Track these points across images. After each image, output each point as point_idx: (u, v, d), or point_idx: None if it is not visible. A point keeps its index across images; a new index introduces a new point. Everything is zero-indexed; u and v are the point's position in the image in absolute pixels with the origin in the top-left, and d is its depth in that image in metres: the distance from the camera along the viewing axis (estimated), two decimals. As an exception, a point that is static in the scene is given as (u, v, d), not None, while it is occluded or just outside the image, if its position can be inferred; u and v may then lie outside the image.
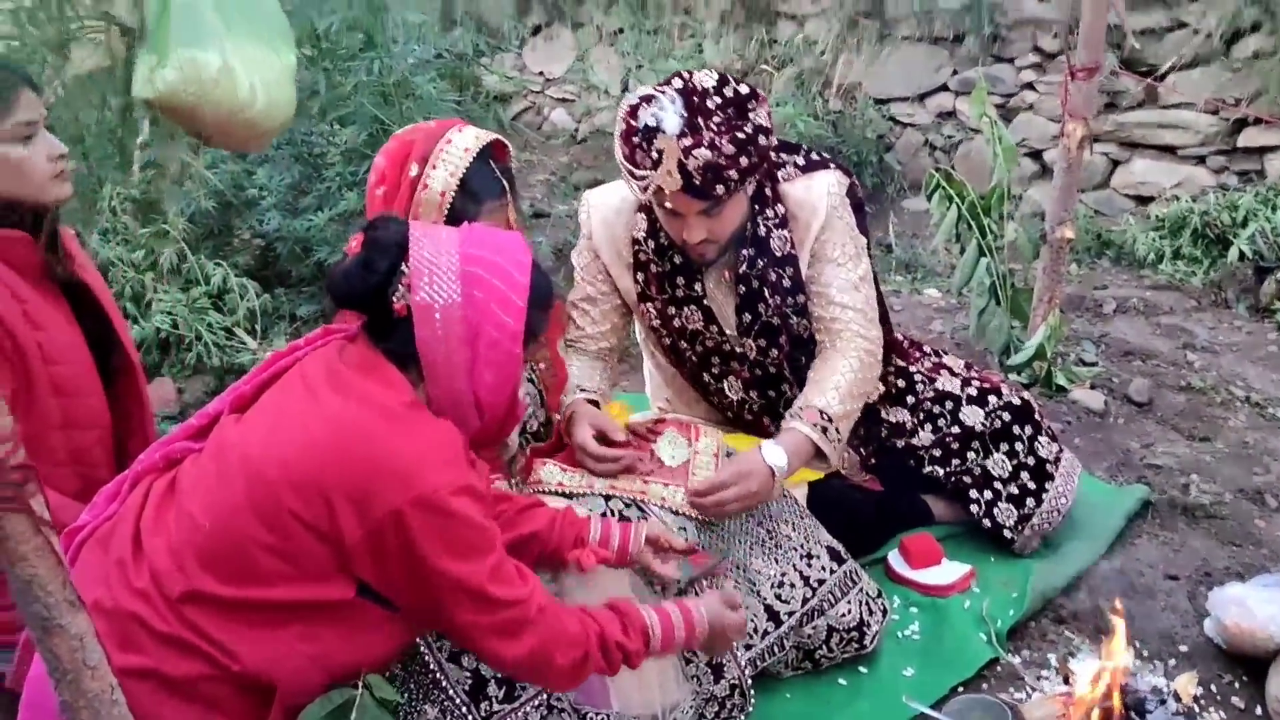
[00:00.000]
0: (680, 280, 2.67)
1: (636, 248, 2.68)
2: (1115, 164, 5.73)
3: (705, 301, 2.66)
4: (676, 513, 2.39)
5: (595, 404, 2.59)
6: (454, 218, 2.17)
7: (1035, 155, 5.79)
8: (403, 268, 1.71)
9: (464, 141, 2.21)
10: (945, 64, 5.97)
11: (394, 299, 1.70)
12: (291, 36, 1.72)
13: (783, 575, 2.41)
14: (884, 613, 2.54)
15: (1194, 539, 2.93)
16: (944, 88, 6.04)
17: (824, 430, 2.42)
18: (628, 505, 2.38)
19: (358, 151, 4.56)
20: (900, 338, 3.00)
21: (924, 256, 5.40)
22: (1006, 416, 2.79)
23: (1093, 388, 3.79)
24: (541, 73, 7.66)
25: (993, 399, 2.82)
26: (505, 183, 2.25)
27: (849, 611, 2.46)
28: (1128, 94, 5.55)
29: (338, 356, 1.78)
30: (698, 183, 2.32)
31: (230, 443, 1.74)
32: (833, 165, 2.65)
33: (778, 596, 2.39)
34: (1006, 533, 2.78)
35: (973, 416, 2.80)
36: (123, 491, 1.85)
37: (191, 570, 1.67)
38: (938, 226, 3.97)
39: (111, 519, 1.81)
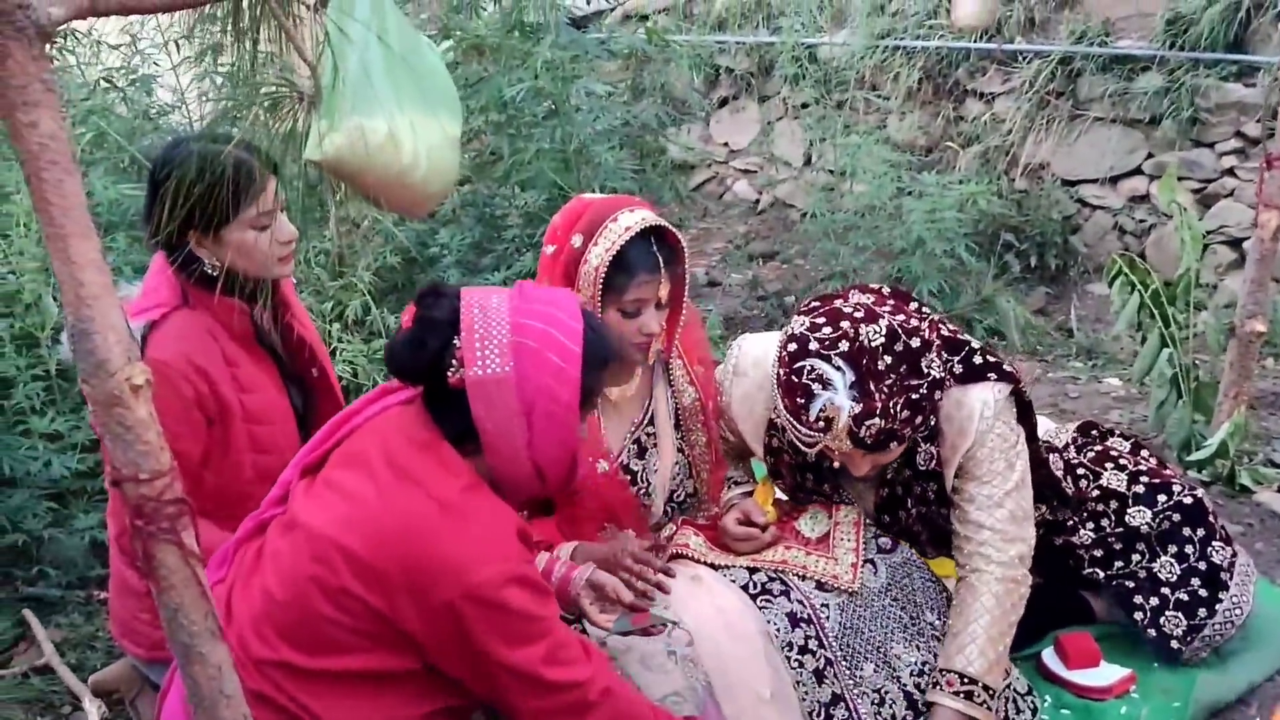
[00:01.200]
0: (810, 476, 2.56)
1: (771, 432, 2.55)
2: (1321, 256, 5.42)
3: (836, 497, 2.58)
4: (820, 583, 2.38)
5: (749, 492, 2.64)
6: (607, 288, 2.28)
7: (1234, 244, 5.53)
8: (455, 342, 1.73)
9: (627, 221, 2.29)
10: (1140, 146, 5.77)
11: (449, 374, 1.73)
12: (459, 107, 1.80)
13: (924, 664, 2.34)
14: (1033, 712, 2.45)
15: (1383, 662, 2.72)
16: (1138, 171, 5.84)
17: (969, 696, 2.26)
18: (771, 578, 2.38)
19: (537, 215, 4.70)
20: (1061, 473, 2.75)
21: (1106, 343, 5.21)
22: (1176, 517, 2.66)
23: (1280, 491, 3.57)
24: (726, 144, 7.75)
25: (1162, 497, 2.68)
26: (661, 259, 2.31)
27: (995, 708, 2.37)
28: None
29: (398, 432, 1.81)
30: (869, 444, 2.19)
31: (299, 518, 1.79)
32: (992, 375, 2.39)
33: (917, 685, 2.32)
34: (1174, 643, 2.63)
35: (1139, 517, 2.67)
36: (230, 559, 1.93)
37: (272, 640, 1.75)
38: (1119, 313, 3.84)
39: (220, 583, 1.88)
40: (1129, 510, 2.68)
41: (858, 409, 2.14)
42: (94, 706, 2.72)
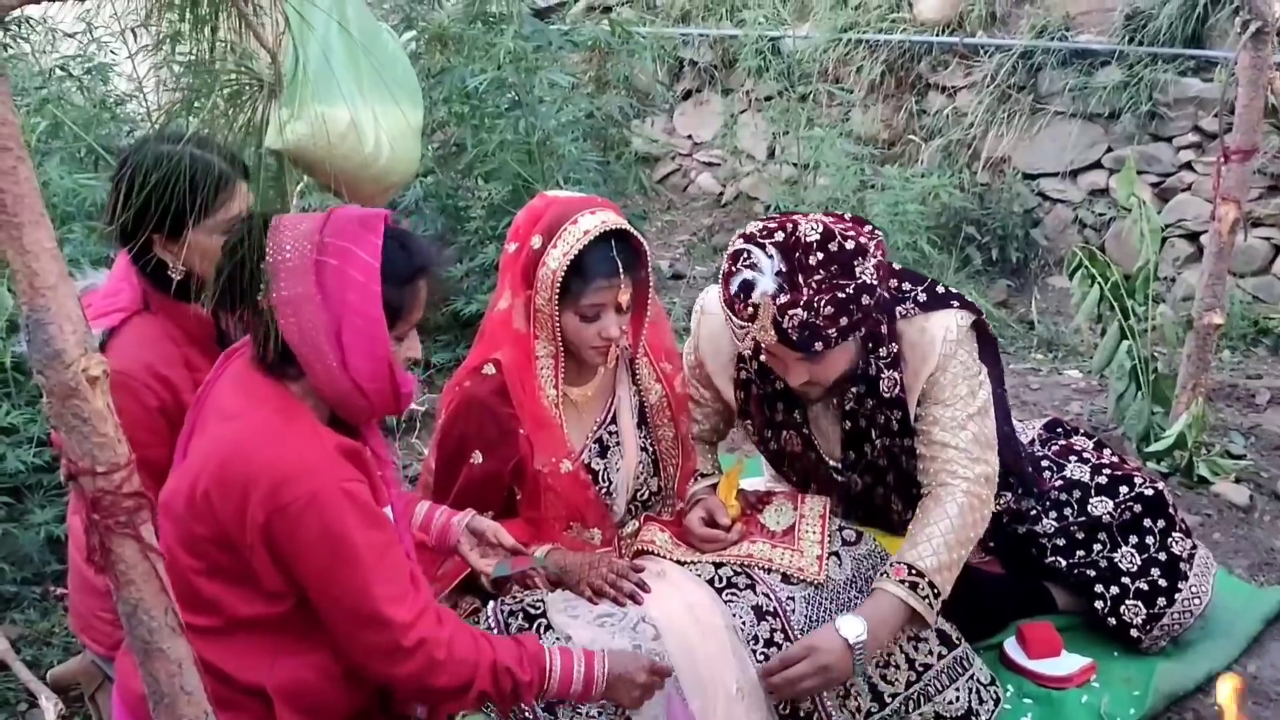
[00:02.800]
0: (781, 405, 2.60)
1: (740, 365, 2.62)
2: (1278, 250, 5.49)
3: (805, 430, 2.61)
4: (785, 576, 2.39)
5: (714, 486, 2.64)
6: (565, 293, 2.27)
7: (1192, 237, 5.59)
8: (262, 268, 1.74)
9: (587, 224, 2.26)
10: (1100, 140, 5.82)
11: (259, 299, 1.74)
12: (420, 96, 1.78)
13: (889, 655, 2.35)
14: (995, 701, 2.47)
15: (1339, 650, 2.76)
16: (1098, 164, 5.89)
17: (913, 586, 2.27)
18: (736, 572, 2.39)
19: (500, 207, 4.68)
20: (1028, 461, 2.81)
21: (1066, 336, 5.25)
22: (1138, 508, 2.68)
23: (1238, 481, 3.60)
24: (690, 136, 7.74)
25: (1124, 489, 2.71)
26: (621, 263, 2.28)
27: (957, 699, 2.39)
28: (1294, 178, 5.33)
29: (224, 381, 1.87)
30: (794, 339, 2.23)
31: (163, 496, 1.85)
32: (955, 303, 2.47)
33: (883, 676, 2.34)
34: (1134, 632, 2.66)
35: (1101, 507, 2.69)
36: None
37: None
38: (1079, 306, 3.86)
39: None
40: (1091, 500, 2.70)
41: (783, 298, 2.20)
42: (50, 704, 2.68)
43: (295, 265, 1.73)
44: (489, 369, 2.37)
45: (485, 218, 4.73)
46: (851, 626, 2.19)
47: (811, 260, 2.23)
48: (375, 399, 1.82)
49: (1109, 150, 5.81)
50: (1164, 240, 4.39)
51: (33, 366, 1.27)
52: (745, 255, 2.26)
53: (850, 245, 2.25)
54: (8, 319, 3.16)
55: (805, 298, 2.20)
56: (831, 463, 2.62)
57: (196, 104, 1.74)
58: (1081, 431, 3.04)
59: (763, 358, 2.36)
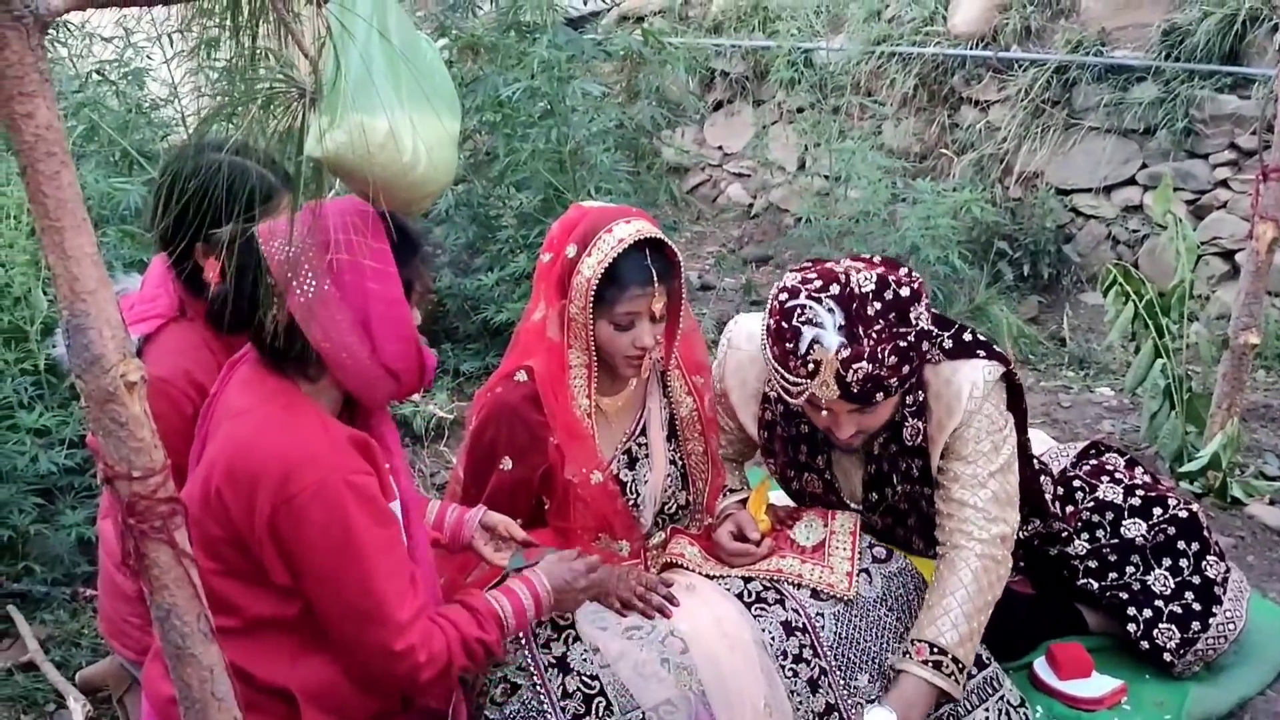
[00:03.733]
0: (804, 448, 2.58)
1: (765, 405, 2.59)
2: (1315, 269, 5.43)
3: (828, 475, 2.59)
4: (815, 591, 2.38)
5: (743, 500, 2.63)
6: (599, 301, 2.26)
7: (1227, 255, 5.53)
8: (269, 280, 1.74)
9: (622, 233, 2.26)
10: (1135, 157, 5.77)
11: (273, 312, 1.74)
12: (458, 105, 1.78)
13: (918, 675, 2.32)
14: (1025, 723, 2.44)
15: (1376, 677, 2.71)
16: (1132, 181, 5.84)
17: (937, 665, 2.25)
18: (766, 587, 2.38)
19: (531, 216, 4.68)
20: (1050, 496, 2.75)
21: (1098, 353, 5.21)
22: (1171, 530, 2.65)
23: (1272, 503, 3.57)
24: (720, 147, 7.74)
25: (1157, 510, 2.68)
26: (655, 272, 2.28)
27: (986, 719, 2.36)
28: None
29: (231, 387, 1.88)
30: (856, 392, 2.20)
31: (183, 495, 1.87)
32: (982, 353, 2.41)
33: (912, 696, 2.31)
34: (1167, 655, 2.62)
35: (1134, 529, 2.66)
36: None
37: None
38: (1112, 323, 3.83)
39: None
40: (1124, 522, 2.68)
41: (846, 352, 2.16)
42: (78, 705, 2.70)
43: (305, 269, 1.73)
44: (521, 375, 2.36)
45: (516, 226, 4.73)
46: (882, 718, 2.16)
47: (870, 311, 2.20)
48: (405, 377, 1.85)
49: (1143, 166, 5.76)
50: (1199, 258, 4.35)
51: (72, 371, 1.28)
52: (801, 311, 2.22)
53: (905, 292, 2.24)
54: (41, 321, 3.19)
55: (868, 350, 2.17)
56: (853, 505, 2.60)
57: (235, 111, 1.75)
58: (1114, 449, 3.00)
59: (807, 408, 2.33)
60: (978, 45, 6.24)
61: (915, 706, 2.23)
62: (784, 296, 2.26)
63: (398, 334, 1.79)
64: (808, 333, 2.20)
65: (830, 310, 2.20)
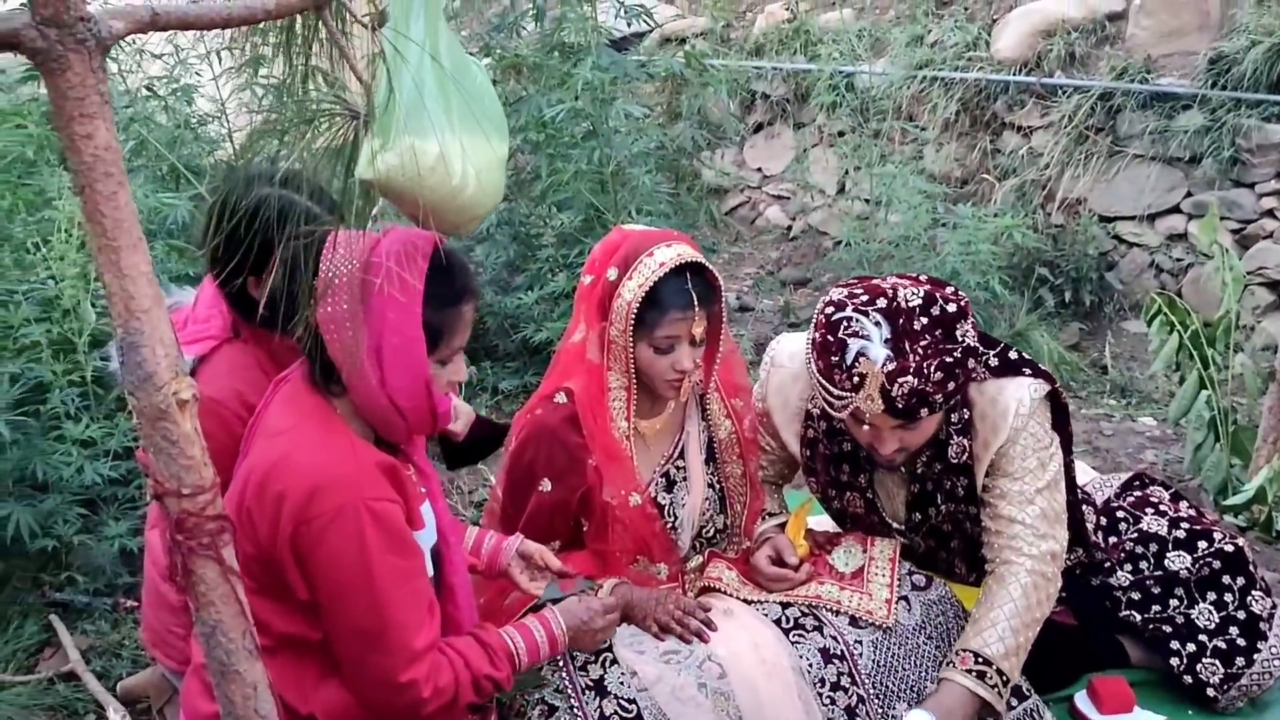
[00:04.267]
0: (846, 466, 2.58)
1: (808, 423, 2.59)
2: (1362, 300, 5.37)
3: (870, 494, 2.58)
4: (853, 618, 2.36)
5: (782, 525, 2.62)
6: (639, 324, 2.27)
7: (1273, 286, 5.48)
8: (311, 283, 1.75)
9: (663, 256, 2.27)
10: (1179, 185, 5.73)
11: (306, 314, 1.76)
12: (506, 127, 1.79)
13: (958, 707, 2.30)
14: (1065, 757, 2.41)
15: None
16: (1176, 209, 5.79)
17: (980, 675, 2.22)
18: (804, 613, 2.37)
19: (572, 235, 4.70)
20: (1092, 526, 2.75)
21: (1141, 382, 5.16)
22: (1216, 564, 2.62)
23: (1319, 539, 3.52)
24: (760, 169, 7.75)
25: (1202, 544, 2.64)
26: (696, 296, 2.28)
27: (1026, 752, 2.34)
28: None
29: (274, 400, 1.90)
30: (901, 407, 2.20)
31: None
32: (1028, 371, 2.41)
33: (950, 727, 2.29)
34: (1210, 691, 2.59)
35: (1179, 561, 2.63)
36: None
37: None
38: (1156, 352, 3.80)
39: None
40: (1168, 554, 2.65)
41: (892, 365, 2.16)
42: (118, 716, 2.72)
43: (342, 283, 1.75)
44: (561, 397, 2.37)
45: (557, 246, 4.75)
46: None
47: (916, 325, 2.20)
48: (412, 417, 1.84)
49: (1188, 195, 5.72)
50: (1244, 288, 4.30)
51: (125, 388, 1.29)
52: (847, 324, 2.22)
53: (952, 309, 2.23)
54: (90, 334, 3.23)
55: (914, 364, 2.17)
56: (895, 525, 2.59)
57: (286, 132, 1.76)
58: (1158, 482, 2.97)
59: (850, 424, 2.33)
60: (1021, 71, 6.23)
61: (955, 714, 2.20)
62: (830, 310, 2.27)
63: (406, 370, 1.78)
64: (854, 345, 2.20)
65: (877, 324, 2.20)
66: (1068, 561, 2.63)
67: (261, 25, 1.48)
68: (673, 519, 2.46)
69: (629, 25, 5.04)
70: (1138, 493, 2.86)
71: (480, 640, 1.96)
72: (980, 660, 2.24)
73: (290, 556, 1.77)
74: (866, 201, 6.28)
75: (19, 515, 3.06)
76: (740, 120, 7.48)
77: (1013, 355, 2.43)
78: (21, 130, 3.87)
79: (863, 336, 2.20)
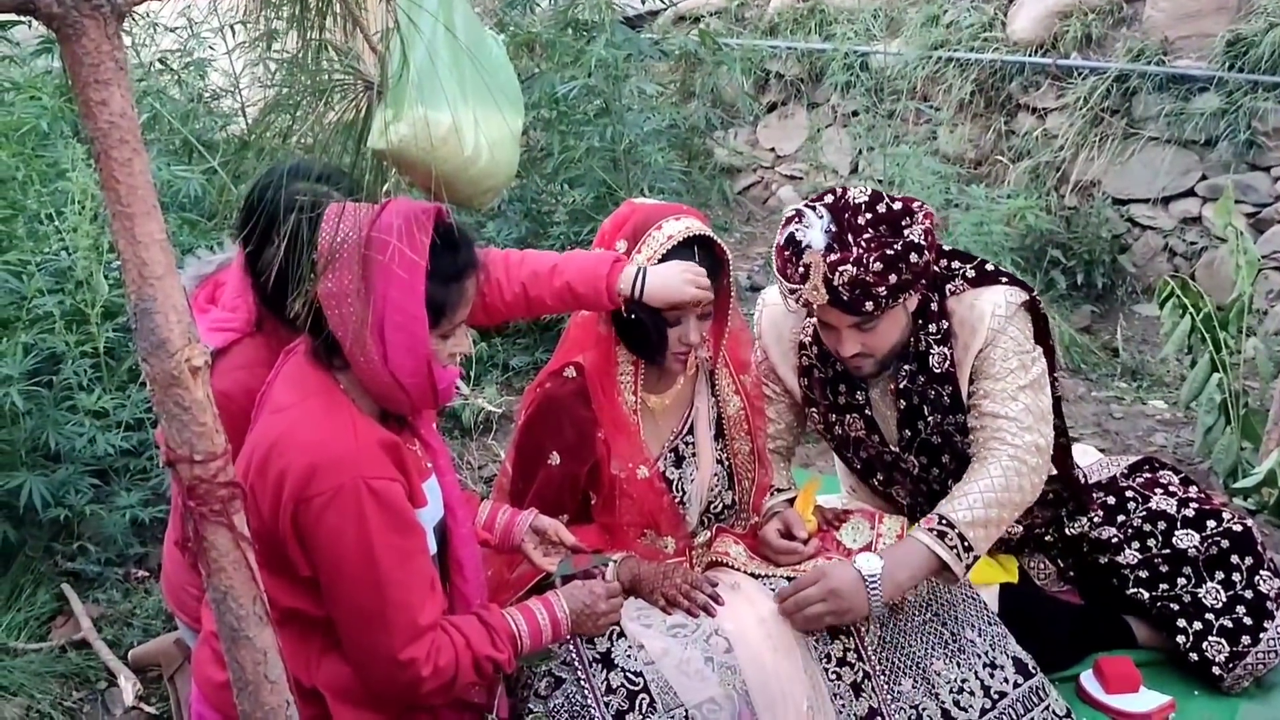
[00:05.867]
0: (843, 387, 2.62)
1: (802, 352, 2.65)
2: (1377, 285, 5.34)
3: (868, 411, 2.61)
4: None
5: (791, 500, 2.62)
6: None
7: (1286, 269, 5.47)
8: (314, 257, 1.73)
9: (671, 230, 2.29)
10: (1194, 168, 5.70)
11: (308, 290, 1.74)
12: (521, 102, 1.79)
13: (963, 681, 2.31)
14: (1070, 736, 2.41)
15: None
16: (1191, 192, 5.76)
17: (940, 535, 2.25)
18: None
19: (583, 212, 4.70)
20: (1082, 476, 2.79)
21: (1152, 365, 5.14)
22: (1225, 544, 2.62)
23: (1328, 522, 3.51)
24: (773, 149, 7.72)
25: (1211, 523, 2.64)
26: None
27: (1032, 730, 2.34)
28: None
29: (278, 376, 1.90)
30: (845, 298, 2.27)
31: None
32: (1005, 279, 2.48)
33: (956, 703, 2.30)
34: (1215, 669, 2.59)
35: (1187, 540, 2.63)
36: None
37: None
38: (1168, 336, 3.79)
39: None
40: (1177, 533, 2.65)
41: (834, 256, 2.25)
42: (129, 684, 2.75)
43: (342, 258, 1.74)
44: (570, 371, 2.38)
45: (569, 223, 4.75)
46: (868, 562, 2.22)
47: (860, 220, 2.30)
48: (414, 393, 1.84)
49: (1203, 178, 5.68)
50: (1259, 272, 4.28)
51: (138, 354, 1.30)
52: (798, 218, 2.33)
53: (898, 206, 2.32)
54: (103, 305, 3.25)
55: (855, 255, 2.25)
56: (891, 446, 2.62)
57: (299, 105, 1.77)
58: (1168, 466, 2.97)
59: (815, 323, 2.44)
60: (1037, 52, 6.19)
61: (905, 568, 2.23)
62: (790, 210, 2.38)
63: (408, 347, 1.78)
64: (799, 235, 2.30)
65: (820, 216, 2.31)
66: (1072, 531, 2.65)
67: (276, -1, 1.49)
68: (681, 494, 2.47)
69: (643, 3, 5.04)
70: (1147, 474, 2.86)
71: (483, 620, 1.96)
72: (944, 522, 2.27)
73: (291, 534, 1.77)
74: (880, 182, 6.25)
75: (32, 485, 3.09)
76: (754, 100, 7.45)
77: (989, 267, 2.51)
78: (35, 102, 3.88)
79: (806, 227, 2.30)
